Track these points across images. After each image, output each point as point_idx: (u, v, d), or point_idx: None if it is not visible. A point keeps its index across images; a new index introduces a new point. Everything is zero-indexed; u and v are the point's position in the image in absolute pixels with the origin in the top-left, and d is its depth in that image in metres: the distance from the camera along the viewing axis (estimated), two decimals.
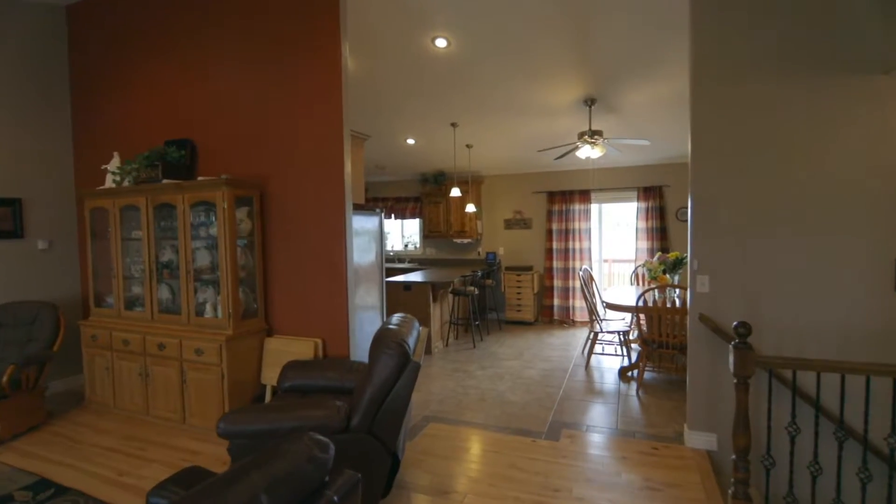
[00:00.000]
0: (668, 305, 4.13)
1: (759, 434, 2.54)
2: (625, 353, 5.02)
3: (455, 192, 5.90)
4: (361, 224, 3.91)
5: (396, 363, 2.26)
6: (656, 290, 4.15)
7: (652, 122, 5.30)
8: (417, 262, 7.90)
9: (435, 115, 5.44)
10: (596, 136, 4.78)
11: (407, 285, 5.50)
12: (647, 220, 6.42)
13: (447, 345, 5.81)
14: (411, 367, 2.27)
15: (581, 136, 4.94)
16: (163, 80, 3.92)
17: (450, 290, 5.80)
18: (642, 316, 4.51)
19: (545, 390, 4.14)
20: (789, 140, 2.77)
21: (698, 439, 3.00)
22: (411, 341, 2.44)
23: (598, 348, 5.32)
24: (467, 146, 6.33)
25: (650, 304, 4.09)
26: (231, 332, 3.25)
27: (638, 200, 6.47)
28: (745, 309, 2.84)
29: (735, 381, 1.97)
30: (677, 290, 4.55)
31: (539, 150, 5.37)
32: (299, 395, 2.87)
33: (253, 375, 3.43)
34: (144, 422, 3.54)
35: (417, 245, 8.03)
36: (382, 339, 2.35)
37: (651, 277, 4.85)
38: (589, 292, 5.00)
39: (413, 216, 7.71)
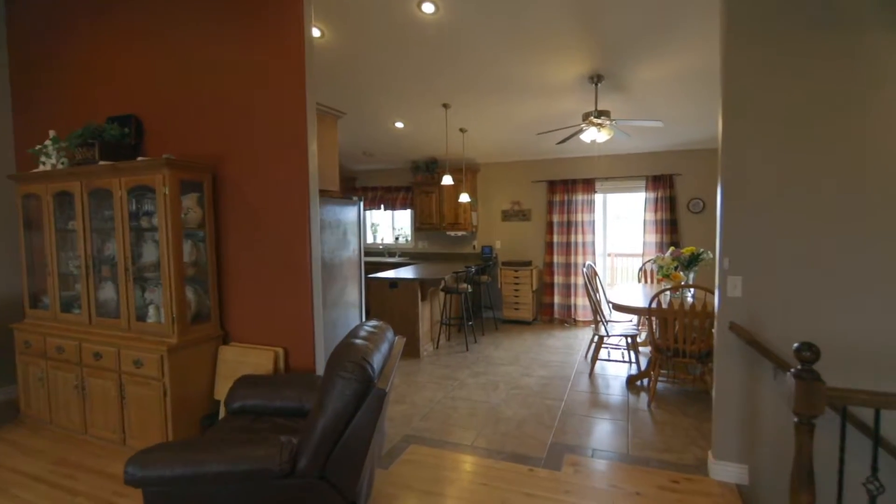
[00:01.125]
0: (685, 308, 3.64)
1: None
2: (633, 360, 4.55)
3: (447, 179, 5.39)
4: (336, 214, 3.41)
5: (354, 390, 1.77)
6: (670, 291, 3.66)
7: (665, 103, 4.77)
8: (409, 257, 7.41)
9: (424, 95, 4.92)
10: (602, 118, 4.27)
11: (393, 282, 5.01)
12: (655, 211, 5.92)
13: (437, 347, 5.33)
14: (374, 395, 1.79)
15: (586, 117, 4.42)
16: (106, 49, 3.40)
17: (441, 287, 5.31)
18: (654, 319, 4.03)
19: (544, 403, 3.66)
20: (855, 109, 2.26)
21: (726, 471, 2.52)
22: (377, 360, 1.95)
23: (602, 353, 4.84)
24: (461, 130, 5.81)
25: (664, 305, 3.60)
26: (175, 340, 2.76)
27: (646, 190, 5.97)
28: (792, 320, 2.35)
29: (795, 419, 1.49)
30: (692, 291, 4.07)
31: (539, 133, 4.86)
32: (250, 419, 2.39)
33: (204, 390, 2.95)
34: (82, 441, 3.06)
35: (409, 238, 7.53)
36: (339, 358, 1.86)
37: (663, 275, 4.35)
38: (593, 290, 4.51)
39: (404, 207, 7.21)
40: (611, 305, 4.23)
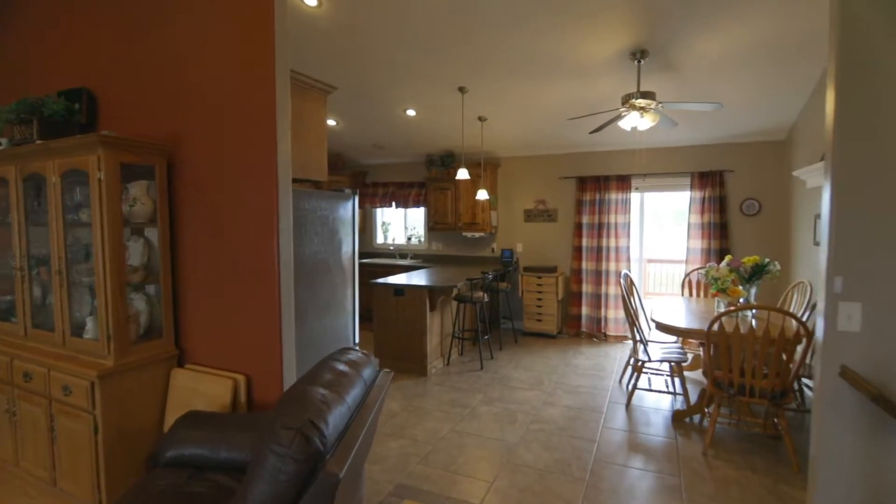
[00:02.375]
0: (754, 332, 2.91)
1: None
2: (679, 390, 3.83)
3: (462, 173, 4.76)
4: (323, 209, 2.83)
5: (292, 473, 1.17)
6: (731, 309, 2.95)
7: (721, 85, 4.04)
8: (421, 259, 6.80)
9: (437, 76, 4.30)
10: (647, 99, 3.57)
11: (398, 289, 4.40)
12: (702, 213, 5.16)
13: (448, 364, 4.70)
14: (322, 482, 1.17)
15: (626, 99, 3.72)
16: (55, 13, 2.89)
17: (453, 296, 4.68)
18: (710, 345, 3.32)
19: (572, 444, 2.99)
20: None
21: None
22: (336, 420, 1.34)
23: (641, 379, 4.13)
24: (479, 119, 5.17)
25: (715, 327, 2.89)
26: (111, 362, 2.21)
27: (691, 189, 5.21)
28: None
29: None
30: (751, 312, 3.35)
31: (570, 119, 4.19)
32: (186, 475, 1.82)
33: (152, 423, 2.39)
34: (12, 475, 2.56)
35: (422, 239, 6.92)
36: (281, 415, 1.25)
37: (717, 289, 3.62)
38: (631, 305, 3.81)
39: (417, 204, 6.61)
40: (652, 324, 3.53)
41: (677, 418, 3.39)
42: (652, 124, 3.81)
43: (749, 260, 3.55)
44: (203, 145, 2.38)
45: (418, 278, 4.79)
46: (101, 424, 2.17)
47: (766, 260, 3.53)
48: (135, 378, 2.31)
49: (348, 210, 3.06)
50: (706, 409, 3.19)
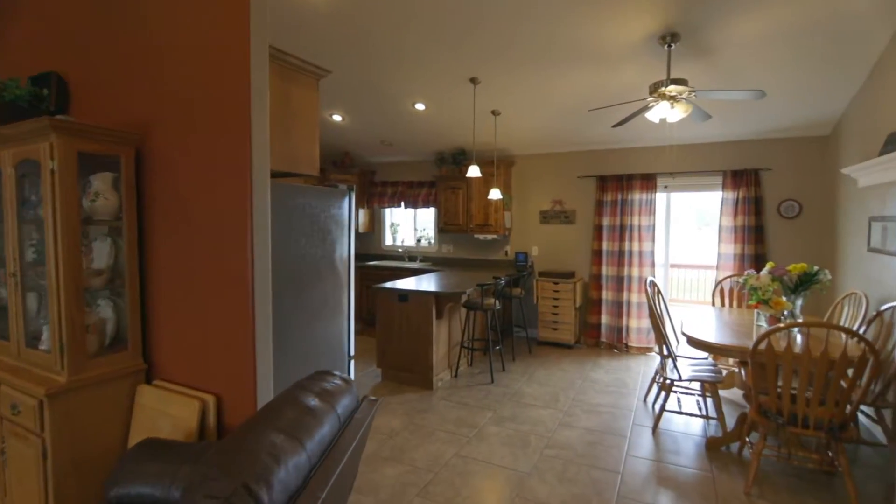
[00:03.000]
0: (809, 352, 2.51)
1: None
2: (712, 413, 3.43)
3: (473, 171, 4.43)
4: (313, 206, 2.53)
5: None
6: (782, 327, 2.55)
7: (762, 73, 3.64)
8: (431, 262, 6.49)
9: (447, 67, 3.99)
10: (678, 85, 3.19)
11: (403, 294, 4.09)
12: (735, 215, 4.73)
13: (456, 375, 4.37)
14: None
15: (655, 88, 3.36)
16: None
17: (462, 303, 4.35)
18: (751, 363, 2.93)
19: (592, 476, 2.63)
20: None
21: None
22: (285, 477, 1.02)
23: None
24: (493, 113, 4.84)
25: (758, 344, 2.49)
26: (64, 378, 1.94)
27: (723, 189, 4.78)
28: None
29: None
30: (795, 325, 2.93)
31: (591, 110, 3.82)
32: None
33: (114, 448, 2.12)
34: None
35: (432, 241, 6.61)
36: (204, 481, 0.94)
37: (758, 300, 3.22)
38: (658, 316, 3.43)
39: (426, 204, 6.29)
40: (683, 337, 3.14)
41: (712, 446, 2.99)
42: (683, 116, 3.43)
43: (795, 268, 3.14)
44: (174, 133, 2.10)
45: (426, 283, 4.47)
46: (51, 449, 1.90)
47: (815, 268, 3.12)
48: (94, 396, 2.03)
49: (343, 208, 2.76)
50: (747, 439, 2.79)
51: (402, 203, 6.46)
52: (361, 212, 6.64)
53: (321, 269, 2.60)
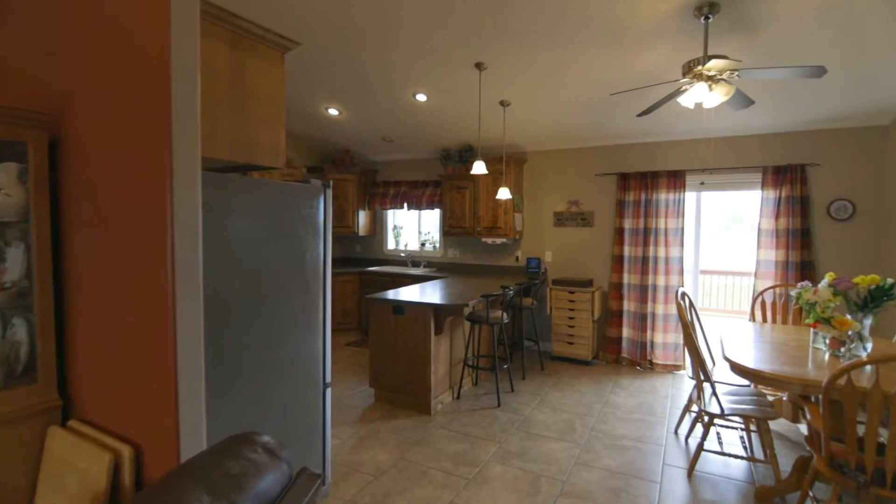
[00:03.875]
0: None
1: None
2: (760, 454, 2.89)
3: (478, 167, 3.95)
4: (272, 204, 2.09)
5: None
6: (877, 360, 2.02)
7: (813, 50, 3.10)
8: (436, 268, 6.02)
9: (450, 50, 3.53)
10: (722, 59, 2.68)
11: (398, 306, 3.63)
12: (777, 216, 4.17)
13: (458, 397, 3.89)
14: None
15: (690, 68, 2.86)
16: None
17: (466, 315, 3.87)
18: (810, 401, 2.40)
19: None
20: None
21: None
22: None
23: (697, 431, 3.20)
24: (501, 104, 4.36)
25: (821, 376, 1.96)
26: None
27: (763, 187, 4.23)
28: None
29: None
30: (865, 348, 2.40)
31: (613, 94, 3.32)
32: None
33: (17, 501, 1.70)
34: None
35: (437, 245, 6.15)
36: None
37: (817, 318, 2.68)
38: (693, 333, 2.91)
39: (431, 206, 5.83)
40: (724, 362, 2.61)
41: (763, 497, 2.46)
42: (724, 100, 2.92)
43: (864, 280, 2.59)
44: (90, 113, 1.68)
45: (428, 292, 4.01)
46: None
47: (890, 281, 2.57)
48: None
49: (317, 208, 2.32)
50: (810, 493, 2.26)
51: (405, 204, 6.01)
52: (362, 213, 6.22)
53: (286, 280, 2.15)
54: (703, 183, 4.56)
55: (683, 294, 3.35)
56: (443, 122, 4.97)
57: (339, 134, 5.68)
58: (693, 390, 3.03)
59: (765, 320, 3.80)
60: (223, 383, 1.86)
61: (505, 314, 3.85)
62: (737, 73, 2.82)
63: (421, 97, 4.45)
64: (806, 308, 2.81)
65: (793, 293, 2.94)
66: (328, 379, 2.42)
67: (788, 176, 4.11)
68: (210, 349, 1.73)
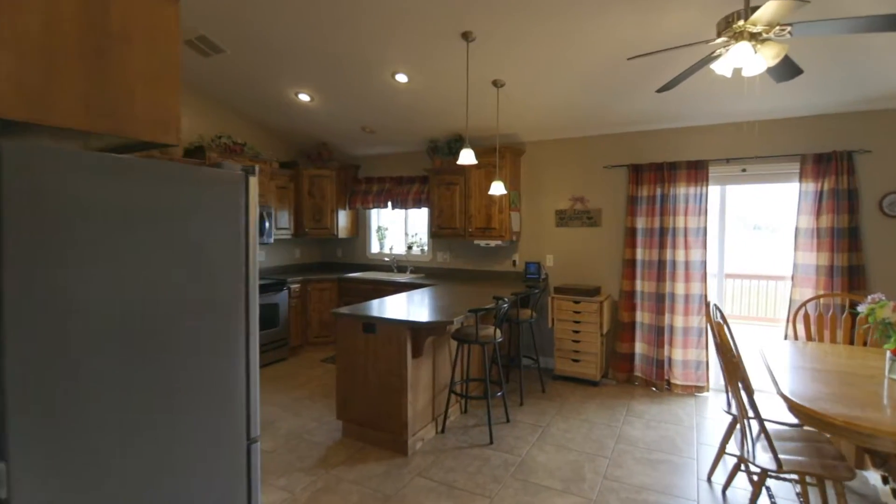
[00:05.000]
0: None
1: None
2: None
3: (466, 156, 3.33)
4: (158, 202, 1.47)
5: None
6: None
7: (871, 10, 2.49)
8: (424, 273, 5.41)
9: (431, 16, 2.93)
10: (771, 8, 2.07)
11: (369, 324, 3.01)
12: (818, 213, 3.55)
13: (443, 430, 3.27)
14: None
15: (727, 24, 2.26)
16: None
17: (451, 333, 3.25)
18: None
19: None
20: None
21: None
22: None
23: (737, 481, 2.58)
24: (494, 85, 3.75)
25: None
26: None
27: (801, 179, 3.61)
28: None
29: None
30: None
31: (631, 58, 2.70)
32: None
33: None
34: None
35: (425, 248, 5.53)
36: None
37: (883, 338, 2.06)
38: (734, 356, 2.29)
39: (417, 204, 5.21)
40: (784, 402, 2.00)
41: None
42: (771, 64, 2.32)
43: None
44: None
45: (406, 305, 3.39)
46: None
47: None
48: None
49: (233, 204, 1.69)
50: None
51: (389, 203, 5.40)
52: (342, 214, 5.61)
53: (186, 310, 1.53)
54: (743, 170, 3.88)
55: (715, 306, 2.74)
56: (428, 109, 4.35)
57: (315, 125, 5.07)
58: (737, 436, 2.41)
59: (809, 337, 3.17)
60: (63, 455, 1.24)
61: (498, 331, 3.23)
62: (789, 29, 2.21)
63: (401, 77, 3.84)
64: (881, 328, 2.20)
65: (861, 308, 2.33)
66: (255, 432, 1.80)
67: (832, 165, 3.48)
68: (33, 403, 1.11)
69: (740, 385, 2.10)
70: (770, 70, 2.59)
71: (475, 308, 3.04)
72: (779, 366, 2.42)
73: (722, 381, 4.05)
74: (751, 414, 2.15)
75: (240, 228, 1.73)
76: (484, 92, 3.87)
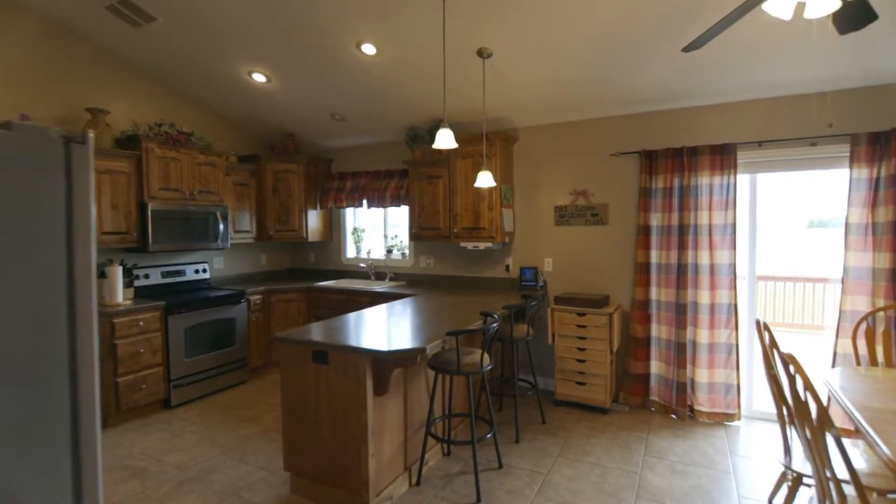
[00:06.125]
0: None
1: None
2: None
3: (444, 138, 2.67)
4: None
5: None
6: None
7: None
8: (406, 281, 4.76)
9: None
10: None
11: (320, 352, 2.35)
12: (872, 205, 2.92)
13: (418, 481, 2.60)
14: None
15: None
16: None
17: (428, 361, 2.58)
18: None
19: None
20: None
21: None
22: None
23: None
24: (480, 55, 3.10)
25: None
26: None
27: (852, 164, 2.98)
28: None
29: None
30: None
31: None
32: None
33: None
34: None
35: (406, 252, 4.87)
36: None
37: None
38: (784, 388, 1.64)
39: (396, 202, 4.56)
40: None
41: None
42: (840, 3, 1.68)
43: None
44: None
45: (373, 324, 2.74)
46: None
47: None
48: None
49: (33, 197, 1.03)
50: None
51: (365, 201, 4.74)
52: (313, 214, 4.94)
53: None
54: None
55: (766, 326, 2.12)
56: (405, 89, 3.70)
57: (278, 112, 4.41)
58: (781, 483, 1.77)
59: (873, 360, 2.54)
60: None
61: (487, 356, 2.58)
62: None
63: (368, 49, 3.19)
64: None
65: None
66: None
67: (892, 146, 2.86)
68: None
69: (807, 432, 1.45)
70: (837, 15, 1.96)
71: (455, 330, 2.39)
72: (860, 404, 1.78)
73: (755, 408, 3.41)
74: (836, 474, 1.50)
75: (52, 236, 1.06)
76: (467, 64, 3.23)
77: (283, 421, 2.51)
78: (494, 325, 2.53)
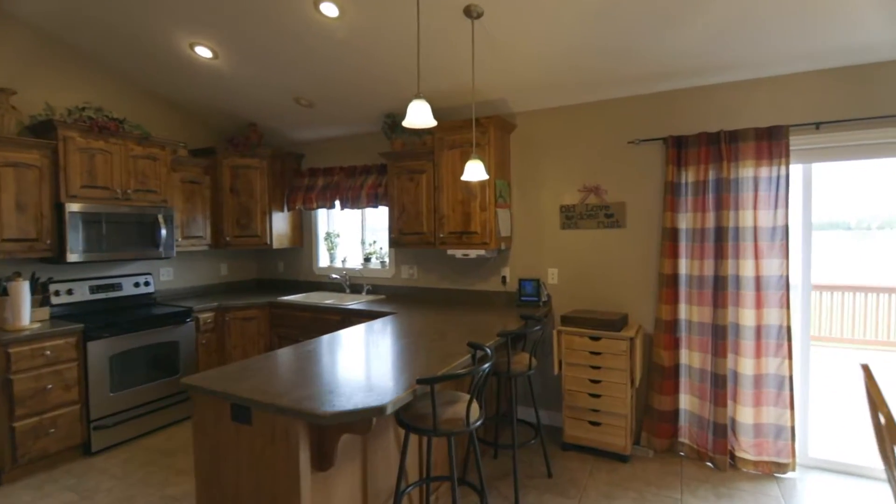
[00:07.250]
0: None
1: None
2: None
3: (417, 112, 2.02)
4: None
5: None
6: None
7: None
8: (386, 294, 4.09)
9: None
10: None
11: (240, 408, 1.68)
12: None
13: None
14: None
15: None
16: None
17: (397, 417, 1.90)
18: None
19: None
20: None
21: None
22: None
23: None
24: (468, 15, 2.45)
25: None
26: None
27: None
28: None
29: None
30: None
31: None
32: None
33: None
34: None
35: (386, 260, 4.20)
36: None
37: None
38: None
39: (372, 202, 3.89)
40: None
41: None
42: None
43: None
44: None
45: (323, 361, 2.08)
46: None
47: None
48: None
49: None
50: None
51: (337, 201, 4.07)
52: (279, 216, 4.28)
53: None
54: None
55: (867, 369, 1.48)
56: (377, 65, 3.04)
57: (231, 96, 3.75)
58: None
59: None
60: None
61: (476, 406, 1.91)
62: None
63: (329, 9, 2.54)
64: None
65: None
66: None
67: None
68: None
69: None
70: None
71: (428, 378, 1.72)
72: None
73: (813, 454, 2.75)
74: None
75: None
76: (453, 28, 2.58)
77: (197, 494, 1.84)
78: (486, 366, 1.85)
